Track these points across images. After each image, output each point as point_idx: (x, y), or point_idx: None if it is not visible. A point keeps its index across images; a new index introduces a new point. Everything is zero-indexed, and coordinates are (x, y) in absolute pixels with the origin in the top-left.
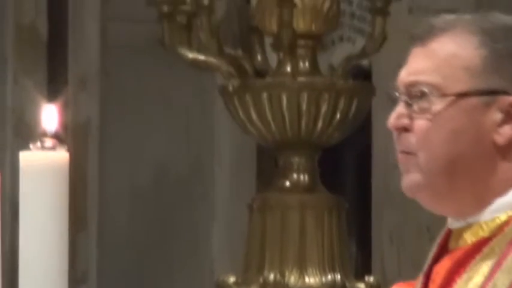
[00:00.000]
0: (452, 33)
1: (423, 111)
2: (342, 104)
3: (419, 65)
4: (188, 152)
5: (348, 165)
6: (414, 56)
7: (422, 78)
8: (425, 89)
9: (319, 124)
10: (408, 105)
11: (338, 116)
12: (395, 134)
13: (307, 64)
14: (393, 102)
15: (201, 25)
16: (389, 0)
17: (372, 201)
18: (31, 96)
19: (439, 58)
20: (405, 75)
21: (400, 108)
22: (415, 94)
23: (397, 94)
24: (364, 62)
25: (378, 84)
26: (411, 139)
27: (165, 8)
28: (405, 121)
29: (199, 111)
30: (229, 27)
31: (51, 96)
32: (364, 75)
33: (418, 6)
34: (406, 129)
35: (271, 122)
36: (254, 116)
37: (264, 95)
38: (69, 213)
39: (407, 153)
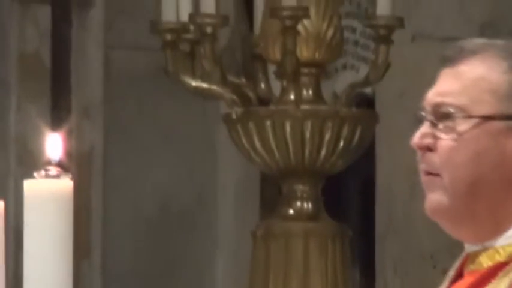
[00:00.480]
0: (482, 56)
1: (448, 131)
2: (345, 131)
3: (447, 86)
4: (192, 180)
5: (351, 193)
6: (443, 77)
7: (449, 99)
8: (452, 110)
9: (323, 152)
10: (433, 125)
11: (341, 143)
12: (419, 153)
13: (310, 92)
14: (419, 122)
15: (204, 53)
16: (393, 28)
17: (375, 229)
18: (34, 124)
19: (467, 80)
20: (433, 95)
21: (425, 128)
22: (441, 114)
23: (423, 114)
24: (368, 90)
25: (381, 112)
26: (435, 159)
27: (169, 37)
28: (429, 140)
29: (203, 139)
30: (232, 55)
31: (55, 125)
32: (367, 103)
33: (421, 34)
34: (429, 149)
35: (275, 150)
36: (258, 144)
37: (268, 123)
38: (73, 240)
39: (431, 174)
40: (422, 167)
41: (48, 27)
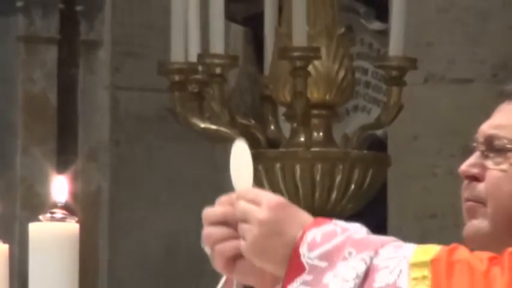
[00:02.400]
0: None
1: (498, 163)
2: (356, 174)
3: (502, 120)
4: (199, 225)
5: None
6: (499, 111)
7: (503, 132)
8: (505, 142)
9: (333, 195)
10: (484, 156)
11: (352, 187)
12: (465, 182)
13: (321, 134)
14: (470, 152)
15: (212, 94)
16: (405, 69)
17: None
18: (40, 167)
19: None
20: (487, 127)
21: (474, 158)
22: (493, 146)
23: (474, 144)
24: (380, 132)
25: (393, 155)
26: (481, 188)
27: (177, 77)
28: (477, 170)
29: (211, 183)
30: (241, 97)
31: (61, 167)
32: (379, 146)
33: (433, 76)
34: (476, 178)
35: (285, 193)
36: (267, 187)
37: (277, 166)
38: (79, 285)
39: (475, 201)
40: (465, 194)
41: (54, 68)
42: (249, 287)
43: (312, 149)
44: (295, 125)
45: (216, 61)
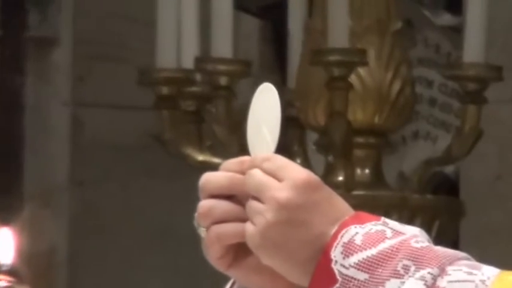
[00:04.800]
0: None
1: None
2: (417, 227)
3: None
4: None
5: None
6: None
7: None
8: None
9: None
10: None
11: None
12: None
13: (367, 171)
14: None
15: (216, 114)
16: (486, 81)
17: None
18: None
19: None
20: None
21: None
22: None
23: None
24: (450, 169)
25: (468, 201)
26: None
27: (165, 90)
28: None
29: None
30: None
31: (3, 216)
32: (449, 188)
33: None
34: None
35: None
36: None
37: None
38: None
39: None
40: None
41: None
42: None
43: (355, 192)
44: (331, 158)
45: (221, 68)
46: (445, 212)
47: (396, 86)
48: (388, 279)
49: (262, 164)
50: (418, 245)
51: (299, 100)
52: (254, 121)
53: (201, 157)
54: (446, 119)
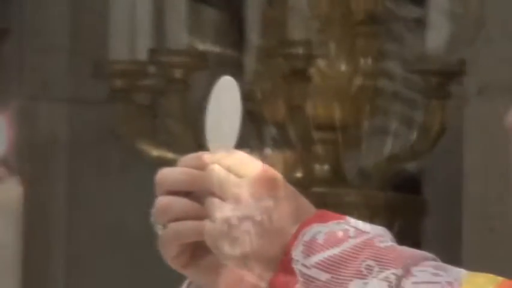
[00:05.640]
0: None
1: None
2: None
3: None
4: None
5: None
6: None
7: None
8: None
9: None
10: None
11: None
12: None
13: (326, 168)
14: None
15: (170, 108)
16: (451, 75)
17: None
18: None
19: None
20: None
21: None
22: None
23: None
24: (411, 166)
25: (433, 201)
26: None
27: (119, 83)
28: None
29: None
30: None
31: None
32: (411, 186)
33: (491, 84)
34: None
35: None
36: None
37: None
38: (25, 267)
39: None
40: None
41: None
42: None
43: (314, 189)
44: (289, 153)
45: (176, 59)
46: (407, 211)
47: (357, 80)
48: (351, 280)
49: (222, 160)
50: (382, 245)
51: (257, 93)
52: (213, 115)
53: (155, 152)
54: (410, 114)
